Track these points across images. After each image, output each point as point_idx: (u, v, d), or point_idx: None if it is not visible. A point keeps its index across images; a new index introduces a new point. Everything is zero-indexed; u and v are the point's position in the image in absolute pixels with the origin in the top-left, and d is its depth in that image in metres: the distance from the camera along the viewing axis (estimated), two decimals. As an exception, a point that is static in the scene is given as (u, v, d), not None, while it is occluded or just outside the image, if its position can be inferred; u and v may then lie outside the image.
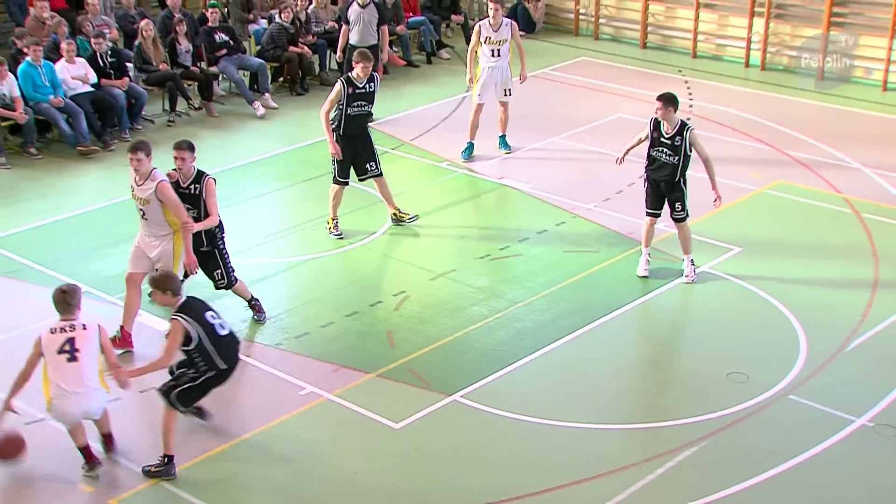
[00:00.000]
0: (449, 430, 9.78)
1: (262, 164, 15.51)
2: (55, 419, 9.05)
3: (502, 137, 15.70)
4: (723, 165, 14.92)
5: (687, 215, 12.02)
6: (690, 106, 17.37)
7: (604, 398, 10.33)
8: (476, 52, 15.43)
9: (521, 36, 20.59)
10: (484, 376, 10.46)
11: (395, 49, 19.41)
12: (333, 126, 12.94)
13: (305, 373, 10.56)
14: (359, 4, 16.68)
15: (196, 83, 17.53)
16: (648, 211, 12.16)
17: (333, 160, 13.06)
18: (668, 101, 11.76)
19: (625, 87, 18.33)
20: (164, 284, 9.05)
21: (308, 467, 9.34)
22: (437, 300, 11.93)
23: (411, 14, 20.14)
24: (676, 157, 11.73)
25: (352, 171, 13.21)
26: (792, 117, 16.92)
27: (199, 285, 11.04)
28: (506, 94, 15.42)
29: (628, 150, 12.28)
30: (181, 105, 17.28)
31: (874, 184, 14.63)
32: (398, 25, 19.31)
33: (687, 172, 11.90)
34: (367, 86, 12.89)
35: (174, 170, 10.80)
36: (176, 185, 10.68)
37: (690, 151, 11.78)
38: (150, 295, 9.21)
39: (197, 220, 10.75)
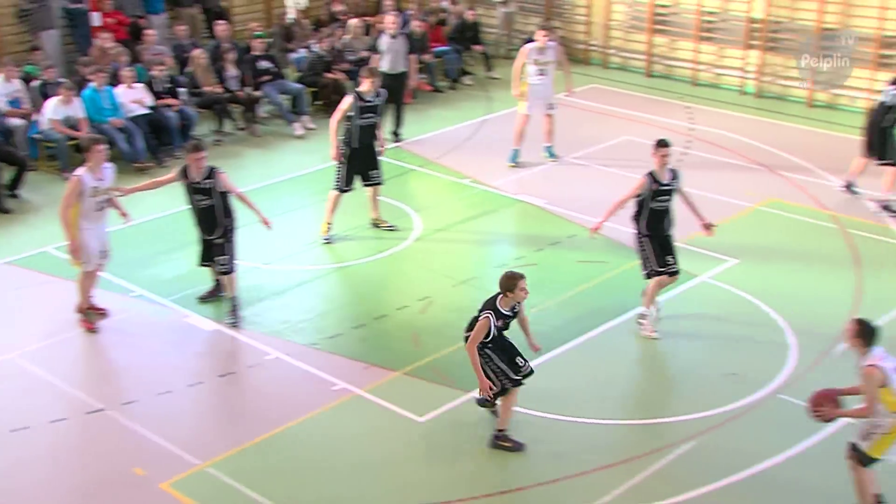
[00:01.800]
0: (469, 424, 9.76)
1: (301, 179, 15.55)
2: None
3: (549, 147, 15.99)
4: (721, 184, 15.01)
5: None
6: (691, 130, 17.32)
7: (610, 396, 10.30)
8: (522, 70, 15.63)
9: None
10: (501, 375, 10.45)
11: (422, 76, 19.43)
12: (346, 139, 13.13)
13: (338, 370, 10.56)
14: (390, 36, 16.71)
15: (241, 106, 17.60)
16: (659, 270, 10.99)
17: (339, 168, 13.22)
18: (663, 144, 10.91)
19: (631, 112, 18.30)
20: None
21: (340, 456, 9.35)
22: (459, 305, 11.88)
23: (437, 44, 20.17)
24: (670, 203, 10.93)
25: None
26: (784, 141, 16.83)
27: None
28: (550, 108, 15.70)
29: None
30: (228, 126, 17.35)
31: (857, 201, 14.57)
32: (425, 54, 19.33)
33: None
34: (374, 99, 13.04)
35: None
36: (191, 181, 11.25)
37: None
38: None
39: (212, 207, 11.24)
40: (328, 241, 13.27)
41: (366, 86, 13.03)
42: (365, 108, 13.02)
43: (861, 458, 8.15)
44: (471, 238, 13.71)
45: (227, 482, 8.90)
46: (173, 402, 10.07)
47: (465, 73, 20.46)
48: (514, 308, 9.21)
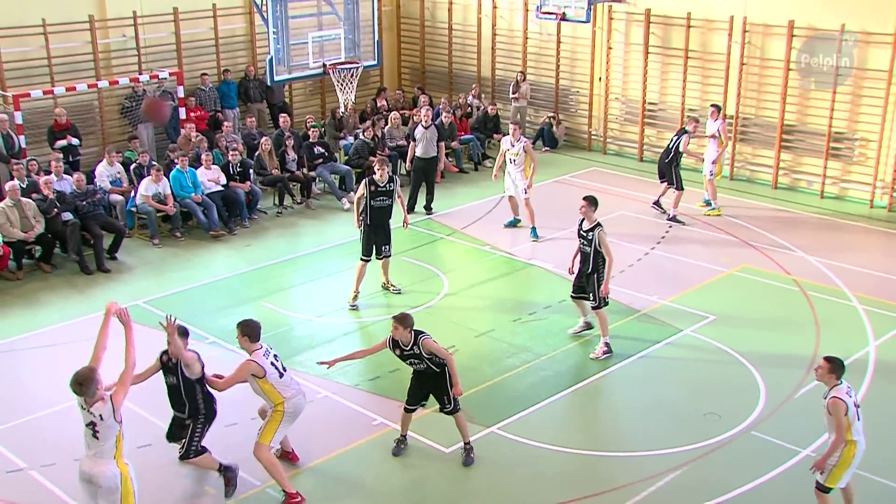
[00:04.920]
0: (488, 454, 9.75)
1: (349, 245, 15.58)
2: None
3: (532, 229, 15.74)
4: (701, 251, 15.03)
5: (600, 306, 11.63)
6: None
7: (608, 431, 10.30)
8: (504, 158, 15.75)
9: (546, 151, 21.06)
10: (516, 413, 10.46)
11: (450, 159, 19.60)
12: (364, 216, 13.05)
13: (377, 407, 10.62)
14: (423, 126, 16.93)
15: (299, 184, 17.81)
16: (572, 295, 12.04)
17: (361, 240, 13.22)
18: (591, 201, 11.66)
19: (626, 191, 18.37)
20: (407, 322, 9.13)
21: (380, 478, 9.40)
22: (480, 353, 11.95)
23: (463, 133, 20.38)
24: (589, 248, 11.55)
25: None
26: (753, 216, 16.83)
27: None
28: (524, 193, 15.64)
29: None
30: (287, 200, 17.55)
31: (814, 268, 14.51)
32: (453, 141, 19.54)
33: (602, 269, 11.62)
34: (387, 185, 12.94)
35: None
36: None
37: (600, 247, 11.45)
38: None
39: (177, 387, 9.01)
40: (354, 308, 13.07)
41: (378, 174, 12.92)
42: (377, 192, 12.89)
43: (822, 489, 8.16)
44: (490, 296, 13.74)
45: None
46: (239, 432, 10.11)
47: (486, 157, 20.60)
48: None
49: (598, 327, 11.89)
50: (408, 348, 9.18)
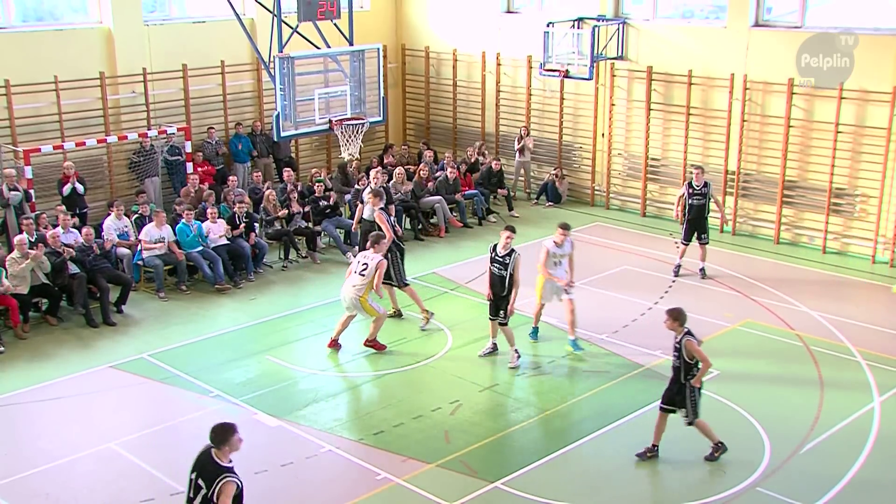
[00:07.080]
0: (491, 510, 9.70)
1: (353, 299, 15.68)
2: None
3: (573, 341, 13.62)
4: (704, 307, 15.00)
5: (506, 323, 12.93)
6: (679, 265, 17.29)
7: (612, 486, 10.20)
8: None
9: (550, 206, 21.18)
10: (520, 468, 10.39)
11: (454, 213, 19.72)
12: None
13: (381, 462, 10.56)
14: (371, 188, 16.52)
15: (304, 238, 17.90)
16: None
17: None
18: (510, 230, 12.87)
19: (629, 245, 18.43)
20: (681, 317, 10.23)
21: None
22: (483, 407, 11.92)
23: (467, 188, 20.49)
24: (506, 272, 12.65)
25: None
26: (755, 271, 16.87)
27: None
28: (566, 293, 13.61)
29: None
30: (293, 254, 17.61)
31: (818, 322, 14.50)
32: (456, 195, 19.64)
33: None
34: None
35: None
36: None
37: (514, 272, 12.63)
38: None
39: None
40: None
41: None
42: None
43: None
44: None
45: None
46: (265, 478, 10.04)
47: (490, 212, 20.71)
48: None
49: (507, 341, 13.01)
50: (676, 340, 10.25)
